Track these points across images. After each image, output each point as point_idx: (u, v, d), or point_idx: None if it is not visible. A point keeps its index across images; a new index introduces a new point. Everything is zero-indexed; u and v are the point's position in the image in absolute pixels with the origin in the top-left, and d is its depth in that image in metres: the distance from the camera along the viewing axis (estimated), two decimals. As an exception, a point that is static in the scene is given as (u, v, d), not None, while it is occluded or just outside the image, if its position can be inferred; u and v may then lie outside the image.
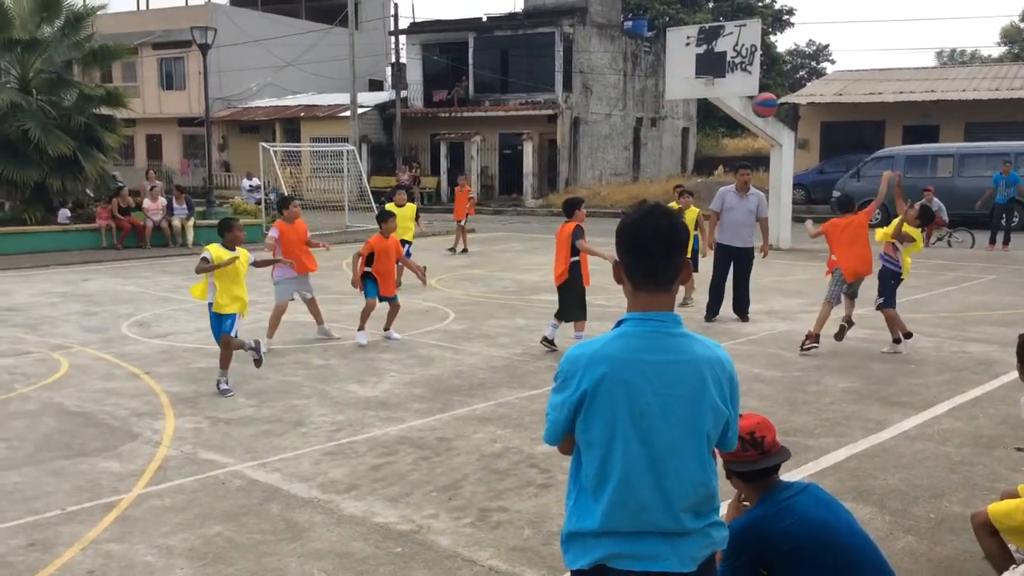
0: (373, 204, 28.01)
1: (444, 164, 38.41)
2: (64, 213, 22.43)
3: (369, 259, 10.76)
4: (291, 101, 43.64)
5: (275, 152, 27.06)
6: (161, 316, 12.70)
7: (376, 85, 47.75)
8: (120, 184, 24.89)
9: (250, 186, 30.47)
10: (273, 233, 10.80)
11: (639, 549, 2.64)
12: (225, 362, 8.63)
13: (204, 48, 26.10)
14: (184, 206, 22.60)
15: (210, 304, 8.60)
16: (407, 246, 14.80)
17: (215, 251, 8.46)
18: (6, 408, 8.08)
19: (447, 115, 39.50)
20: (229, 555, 5.06)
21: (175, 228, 22.02)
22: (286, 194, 16.04)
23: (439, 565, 4.93)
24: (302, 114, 41.68)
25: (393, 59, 42.56)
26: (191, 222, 22.39)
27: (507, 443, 7.01)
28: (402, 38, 42.22)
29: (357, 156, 30.55)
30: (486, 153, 38.85)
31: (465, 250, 20.98)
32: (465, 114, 39.07)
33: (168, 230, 21.90)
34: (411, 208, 15.82)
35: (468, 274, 17.33)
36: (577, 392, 2.65)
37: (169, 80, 45.17)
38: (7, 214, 24.19)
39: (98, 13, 25.00)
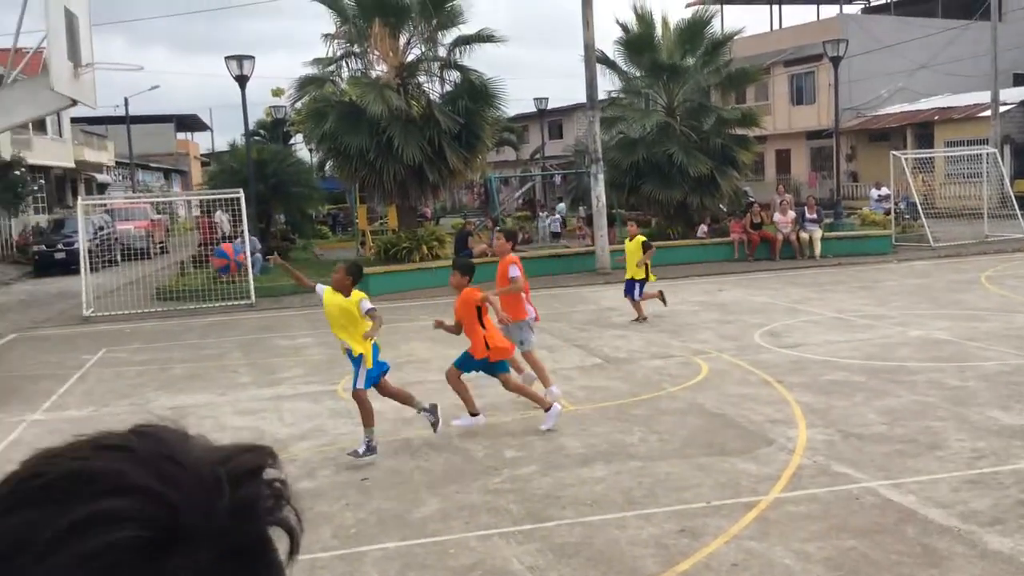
0: (1017, 211, 25.36)
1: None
2: (703, 228, 24.31)
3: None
4: (923, 105, 41.45)
5: (906, 160, 26.00)
6: (791, 327, 13.08)
7: (1021, 79, 43.02)
8: (751, 199, 26.18)
9: (879, 196, 29.73)
10: (514, 273, 9.19)
11: None
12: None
13: (836, 60, 26.19)
14: (815, 215, 22.93)
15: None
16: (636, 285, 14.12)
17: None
18: (657, 405, 9.09)
19: (1115, 104, 34.01)
20: (864, 570, 5.08)
21: (803, 240, 22.45)
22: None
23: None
24: (936, 117, 39.33)
25: (1046, 47, 37.94)
26: (819, 234, 22.61)
27: None
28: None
29: (998, 158, 27.92)
30: None
31: None
32: None
33: (797, 243, 22.41)
34: (638, 241, 14.22)
35: None
36: None
37: (799, 95, 46.08)
38: (654, 230, 27.01)
39: (736, 37, 26.64)
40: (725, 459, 7.22)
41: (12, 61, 11.11)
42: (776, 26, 49.88)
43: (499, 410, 9.27)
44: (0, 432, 9.33)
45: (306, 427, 8.96)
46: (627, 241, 14.64)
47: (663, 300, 14.48)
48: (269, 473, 0.67)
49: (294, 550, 0.68)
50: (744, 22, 72.09)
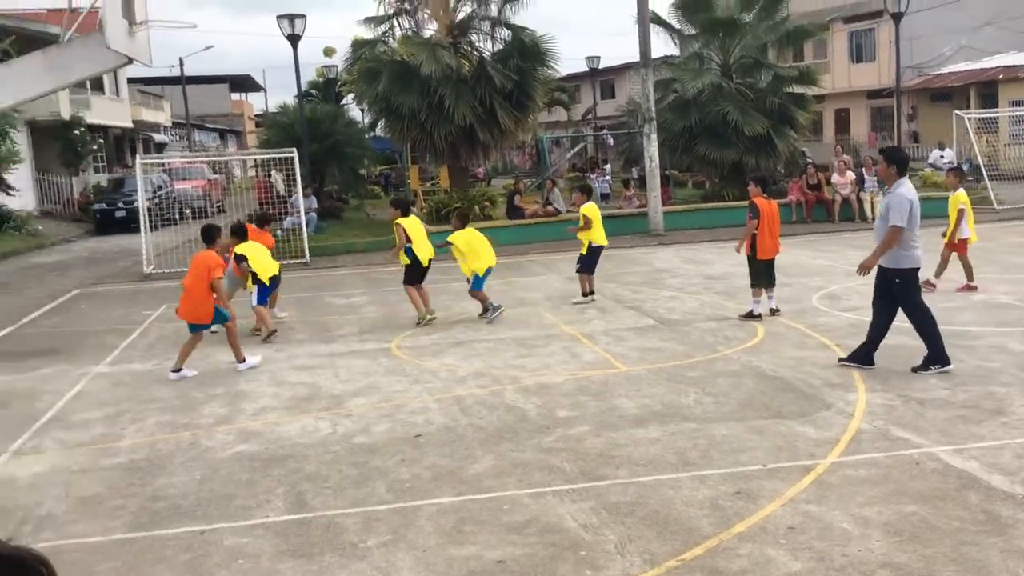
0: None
1: None
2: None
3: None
4: (988, 63, 40.17)
5: (969, 120, 25.26)
6: (850, 290, 12.86)
7: (1097, 34, 41.40)
8: (809, 160, 25.65)
9: (941, 157, 29.01)
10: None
11: None
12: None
13: (897, 17, 25.46)
14: (873, 177, 22.42)
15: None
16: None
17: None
18: (712, 367, 9.02)
19: None
20: (926, 536, 5.00)
21: (863, 202, 21.99)
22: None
23: None
24: (1000, 76, 38.10)
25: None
26: (878, 196, 22.11)
27: None
28: None
29: (1069, 118, 27.01)
30: None
31: None
32: None
33: (856, 204, 21.96)
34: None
35: None
36: None
37: (859, 53, 44.94)
38: (708, 191, 26.68)
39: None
40: (782, 422, 7.15)
41: (68, 20, 11.24)
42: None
43: (550, 369, 9.27)
44: (66, 384, 9.58)
45: (361, 384, 9.05)
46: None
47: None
48: None
49: None
50: (803, -22, 70.06)
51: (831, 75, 43.12)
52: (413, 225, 12.15)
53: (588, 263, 13.03)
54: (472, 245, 11.96)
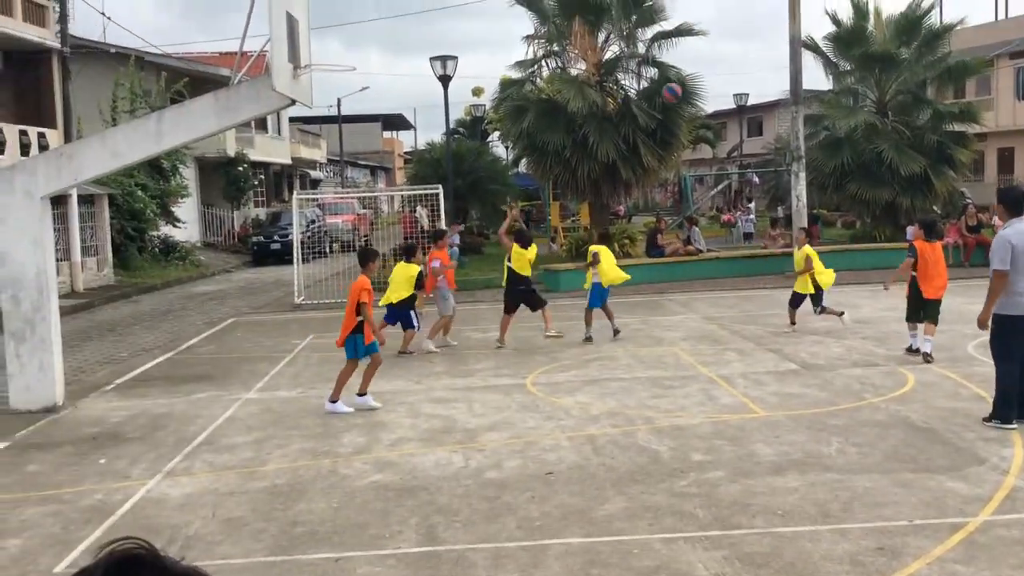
0: None
1: None
2: (912, 230, 22.94)
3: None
4: None
5: None
6: None
7: None
8: (968, 201, 24.46)
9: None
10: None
11: None
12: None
13: (1069, 50, 24.04)
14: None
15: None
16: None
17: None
18: (857, 415, 8.66)
19: None
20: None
21: None
22: None
23: None
24: None
25: None
26: None
27: None
28: None
29: None
30: None
31: None
32: None
33: (1019, 248, 20.75)
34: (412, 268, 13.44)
35: None
36: None
37: (1025, 89, 42.66)
38: (859, 231, 25.78)
39: (956, 28, 25.01)
40: (931, 476, 6.78)
41: (238, 64, 11.99)
42: (1002, 15, 46.40)
43: (685, 411, 9.12)
44: (218, 408, 10.07)
45: (495, 419, 9.14)
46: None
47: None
48: None
49: None
50: (965, 11, 67.35)
51: (995, 112, 41.07)
52: (521, 253, 13.35)
53: (798, 300, 13.83)
54: (609, 259, 13.66)
